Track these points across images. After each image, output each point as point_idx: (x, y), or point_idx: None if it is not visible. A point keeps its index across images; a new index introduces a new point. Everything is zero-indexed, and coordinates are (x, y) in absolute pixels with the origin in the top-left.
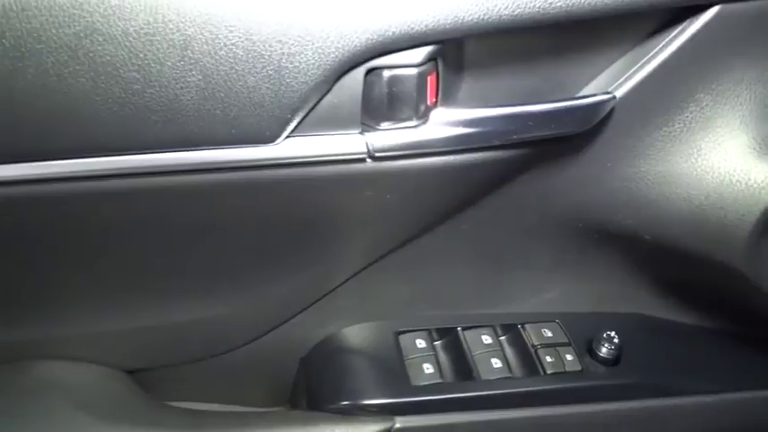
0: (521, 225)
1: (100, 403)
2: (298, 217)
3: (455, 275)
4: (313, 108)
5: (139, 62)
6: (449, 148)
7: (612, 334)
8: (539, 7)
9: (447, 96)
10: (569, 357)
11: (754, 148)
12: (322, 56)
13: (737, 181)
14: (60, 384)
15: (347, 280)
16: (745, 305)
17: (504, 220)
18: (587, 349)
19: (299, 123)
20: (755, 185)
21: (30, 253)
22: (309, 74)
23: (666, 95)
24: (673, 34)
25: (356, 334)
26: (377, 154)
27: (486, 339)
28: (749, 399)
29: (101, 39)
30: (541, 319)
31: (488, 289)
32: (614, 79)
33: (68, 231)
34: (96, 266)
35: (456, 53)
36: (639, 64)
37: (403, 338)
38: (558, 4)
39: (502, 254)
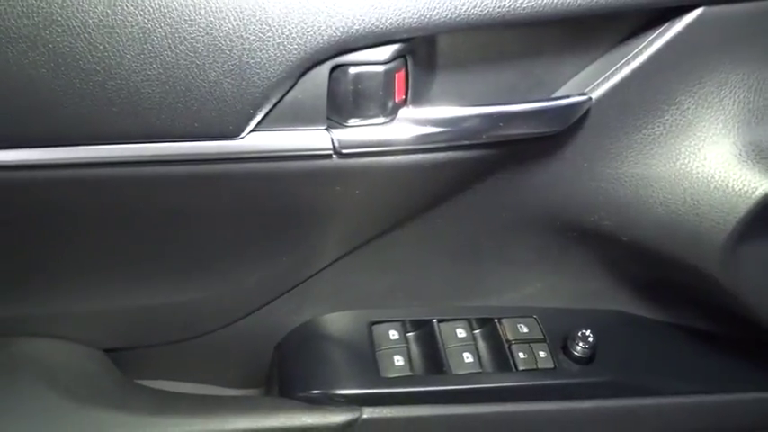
0: (497, 221)
1: (74, 381)
2: (266, 209)
3: (432, 267)
4: (277, 103)
5: (99, 54)
6: (417, 147)
7: (588, 332)
8: (508, 6)
9: (417, 94)
10: (543, 354)
11: (735, 155)
12: (284, 52)
13: (715, 188)
14: (35, 361)
15: (324, 268)
16: (722, 307)
17: (480, 216)
18: (562, 346)
19: (264, 118)
20: (733, 193)
21: (7, 235)
22: (271, 70)
23: (646, 98)
24: (653, 36)
25: (331, 322)
26: (343, 150)
27: (461, 333)
28: (725, 401)
29: (60, 30)
30: (520, 313)
31: (466, 282)
32: (592, 80)
33: (42, 215)
34: (71, 249)
35: (427, 50)
36: (618, 65)
37: (377, 329)
38: (529, 3)
39: (480, 248)
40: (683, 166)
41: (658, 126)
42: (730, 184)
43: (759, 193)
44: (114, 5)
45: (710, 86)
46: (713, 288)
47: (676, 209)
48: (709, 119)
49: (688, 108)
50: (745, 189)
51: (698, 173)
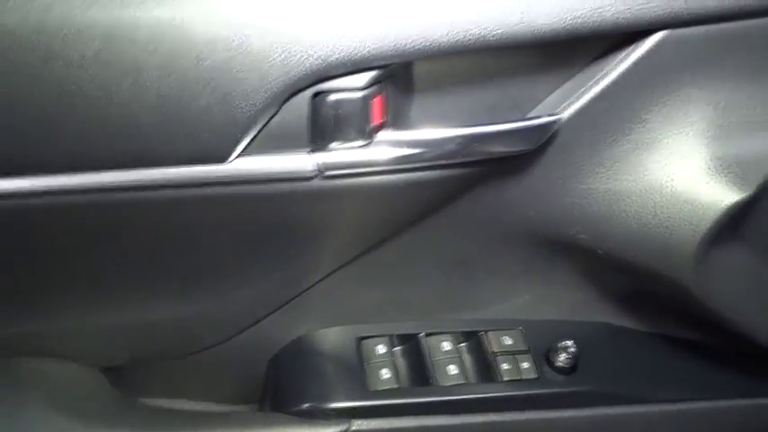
0: (481, 236)
1: (71, 400)
2: (255, 229)
3: (420, 282)
4: (262, 129)
5: (97, 85)
6: (397, 167)
7: (570, 343)
8: (479, 34)
9: (396, 117)
10: (526, 365)
11: (702, 169)
12: (267, 80)
13: (684, 201)
14: (34, 381)
15: (314, 285)
16: (699, 316)
17: (463, 231)
18: (546, 357)
19: (250, 143)
20: (700, 205)
21: (5, 257)
22: (256, 97)
23: (613, 116)
24: (620, 57)
25: (322, 337)
26: (326, 172)
27: (447, 346)
28: (706, 408)
29: (61, 63)
30: (506, 326)
31: (453, 295)
32: (563, 100)
33: (38, 239)
34: (66, 270)
35: (405, 75)
36: (587, 86)
37: (365, 343)
38: (498, 31)
39: (465, 262)
40: (652, 181)
41: (626, 143)
42: (698, 197)
43: (725, 204)
44: (110, 40)
45: (676, 105)
46: (688, 298)
47: (647, 222)
48: (675, 136)
49: (654, 126)
50: (712, 201)
51: (666, 187)
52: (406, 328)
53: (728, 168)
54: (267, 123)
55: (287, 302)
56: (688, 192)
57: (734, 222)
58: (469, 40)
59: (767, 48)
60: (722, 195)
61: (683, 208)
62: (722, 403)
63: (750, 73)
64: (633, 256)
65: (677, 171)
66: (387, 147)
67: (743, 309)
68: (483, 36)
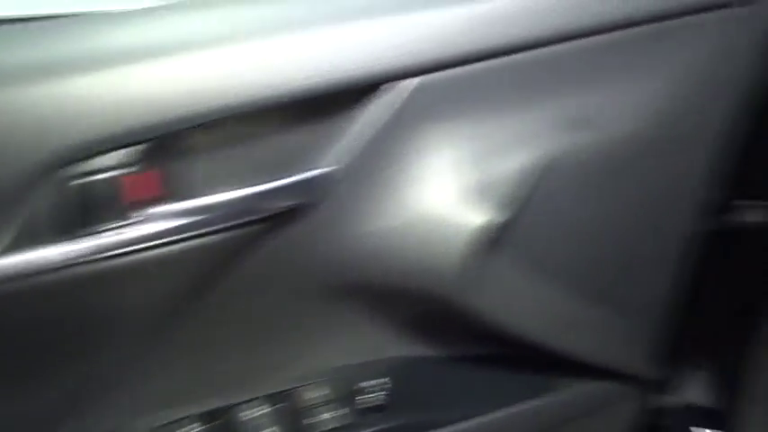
0: (275, 293)
1: None
2: (24, 330)
3: (223, 353)
4: (14, 222)
5: None
6: (172, 239)
7: (378, 381)
8: (234, 102)
9: (170, 188)
10: (339, 412)
11: (459, 196)
12: (13, 170)
13: (447, 225)
14: None
15: (117, 377)
16: (487, 331)
17: (257, 291)
18: (355, 401)
19: (6, 238)
20: (461, 228)
21: None
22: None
23: (382, 160)
24: (379, 105)
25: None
26: (90, 257)
27: (260, 411)
28: (511, 413)
29: None
30: (314, 378)
31: (262, 359)
32: (339, 149)
33: None
34: None
35: (176, 145)
36: (355, 135)
37: (174, 427)
38: (254, 95)
39: (265, 323)
40: (421, 213)
41: (396, 183)
42: (459, 221)
43: (478, 223)
44: None
45: (435, 143)
46: (472, 317)
47: (423, 252)
48: (435, 169)
49: (418, 164)
50: (470, 222)
51: (432, 216)
52: (217, 401)
53: (484, 191)
54: (19, 215)
55: (86, 402)
56: (450, 217)
57: (494, 240)
58: (228, 106)
59: (506, 84)
60: (478, 216)
61: (445, 233)
62: (521, 406)
63: (492, 107)
64: (416, 288)
65: (440, 201)
66: (163, 219)
67: (512, 319)
68: (240, 102)
